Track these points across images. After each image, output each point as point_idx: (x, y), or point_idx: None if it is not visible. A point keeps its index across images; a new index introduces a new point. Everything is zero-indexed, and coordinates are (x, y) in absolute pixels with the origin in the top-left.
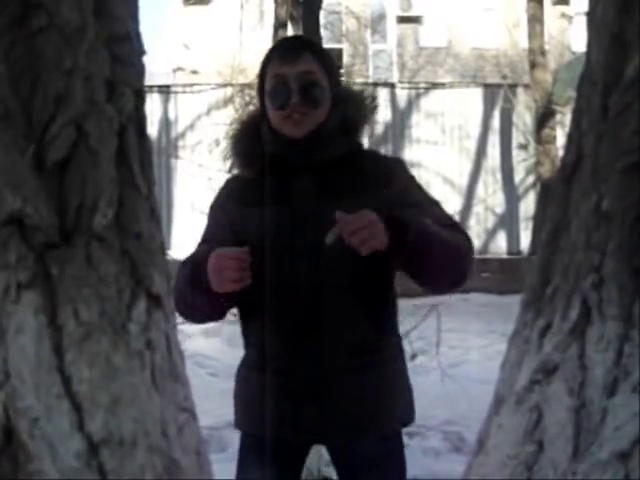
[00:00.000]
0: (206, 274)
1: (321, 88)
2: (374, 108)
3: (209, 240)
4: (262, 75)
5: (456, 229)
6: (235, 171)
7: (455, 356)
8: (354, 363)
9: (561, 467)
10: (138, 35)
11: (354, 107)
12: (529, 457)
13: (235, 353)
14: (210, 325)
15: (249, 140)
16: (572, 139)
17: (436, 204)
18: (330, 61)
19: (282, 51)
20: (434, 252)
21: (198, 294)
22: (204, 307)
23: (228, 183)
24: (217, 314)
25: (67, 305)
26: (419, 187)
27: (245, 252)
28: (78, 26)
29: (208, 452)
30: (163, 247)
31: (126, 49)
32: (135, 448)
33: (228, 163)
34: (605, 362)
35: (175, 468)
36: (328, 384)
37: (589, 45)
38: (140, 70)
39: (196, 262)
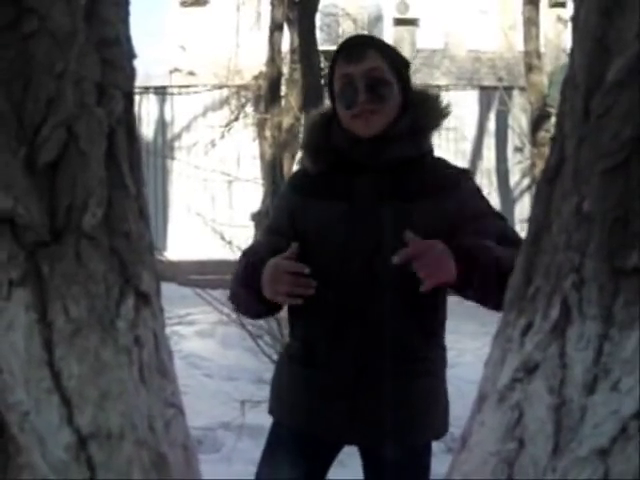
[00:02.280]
0: (259, 280)
1: (388, 84)
2: (447, 113)
3: (273, 230)
4: (331, 76)
5: (519, 246)
6: (303, 163)
7: (449, 358)
8: (398, 369)
9: (541, 464)
10: (129, 39)
11: (426, 110)
12: (510, 454)
13: (229, 354)
14: (204, 326)
15: (319, 135)
16: (555, 142)
17: (502, 219)
18: (398, 57)
19: (347, 50)
20: (499, 283)
21: (251, 294)
22: (254, 306)
23: (295, 175)
24: (269, 313)
25: (57, 302)
26: (484, 198)
27: (303, 267)
28: (69, 30)
29: (195, 447)
30: (152, 247)
31: (116, 53)
32: (123, 441)
33: (299, 158)
34: (585, 361)
35: (162, 462)
36: (369, 386)
37: (572, 49)
38: (130, 73)
39: (252, 264)
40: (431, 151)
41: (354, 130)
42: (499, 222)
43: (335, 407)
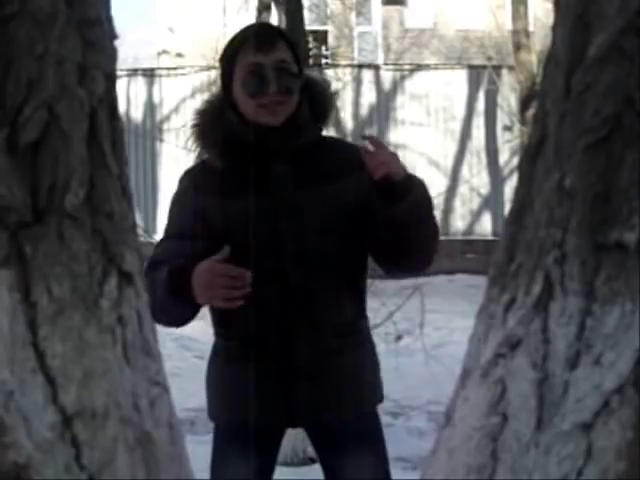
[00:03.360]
0: (189, 287)
1: (295, 77)
2: (335, 94)
3: (176, 234)
4: (230, 62)
5: None
6: (204, 158)
7: (440, 337)
8: (340, 343)
9: (525, 438)
10: (110, 20)
11: (321, 95)
12: (494, 429)
13: None
14: None
15: (216, 128)
16: (537, 119)
17: None
18: (297, 50)
19: (257, 39)
20: (430, 214)
21: (179, 305)
22: (182, 314)
23: (191, 174)
24: (193, 317)
25: (40, 282)
26: None
27: (241, 271)
28: (49, 12)
29: (180, 426)
30: (134, 226)
31: (98, 33)
32: (107, 420)
33: (194, 153)
34: (567, 336)
35: (147, 440)
36: (318, 366)
37: (554, 26)
38: (112, 54)
39: (176, 272)
40: (323, 134)
41: (258, 119)
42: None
43: (293, 393)
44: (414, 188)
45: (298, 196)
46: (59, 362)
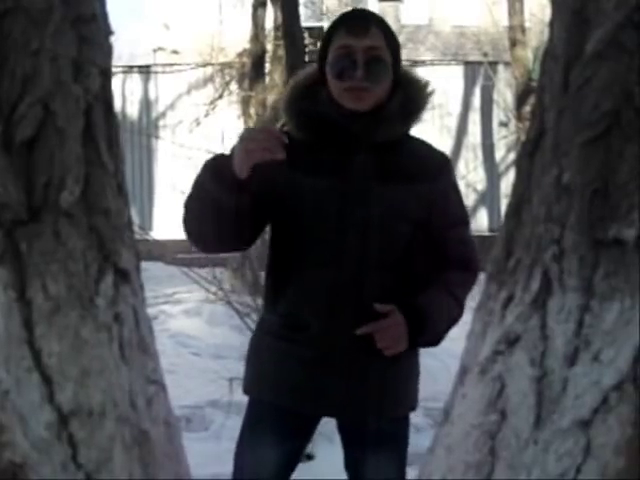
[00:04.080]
0: (229, 166)
1: (385, 65)
2: (432, 94)
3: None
4: (326, 43)
5: (470, 265)
6: (285, 129)
7: None
8: None
9: (523, 435)
10: (105, 16)
11: (415, 91)
12: (492, 426)
13: (216, 332)
14: (191, 305)
15: (306, 102)
16: (535, 115)
17: (466, 224)
18: (394, 39)
19: (351, 22)
20: (442, 333)
21: (219, 187)
22: (222, 205)
23: None
24: (233, 216)
25: (36, 280)
26: (458, 196)
27: (282, 136)
28: (44, 8)
29: (178, 423)
30: (130, 223)
31: (93, 30)
32: (104, 419)
33: (280, 122)
34: (566, 332)
35: (144, 438)
36: (359, 361)
37: (552, 22)
38: (107, 50)
39: (216, 156)
40: (410, 133)
41: (343, 102)
42: (463, 230)
43: (327, 383)
44: (423, 341)
45: (372, 189)
46: (55, 360)
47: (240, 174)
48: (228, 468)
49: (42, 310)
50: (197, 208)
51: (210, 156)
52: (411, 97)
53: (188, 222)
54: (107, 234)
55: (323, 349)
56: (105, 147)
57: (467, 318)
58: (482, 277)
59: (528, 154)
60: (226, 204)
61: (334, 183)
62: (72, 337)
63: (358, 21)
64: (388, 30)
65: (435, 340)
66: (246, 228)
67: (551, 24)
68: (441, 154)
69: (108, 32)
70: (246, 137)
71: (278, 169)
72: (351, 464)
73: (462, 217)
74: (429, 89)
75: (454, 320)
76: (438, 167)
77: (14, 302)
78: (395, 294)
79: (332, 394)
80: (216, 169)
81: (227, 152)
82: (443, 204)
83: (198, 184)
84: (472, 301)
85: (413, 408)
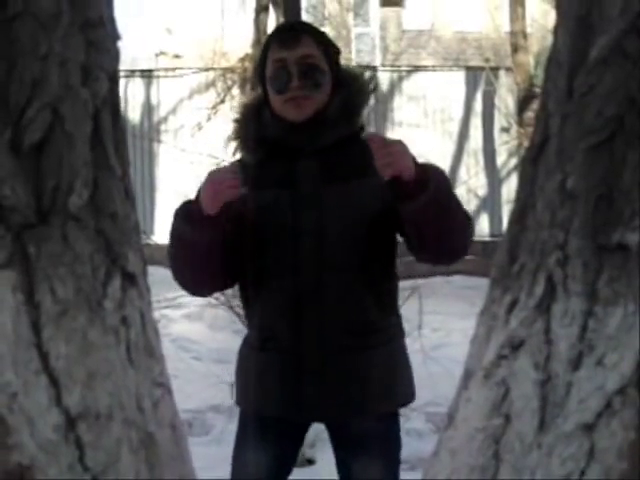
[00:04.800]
0: (200, 209)
1: (321, 71)
2: (374, 90)
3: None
4: (263, 60)
5: None
6: (239, 155)
7: (438, 338)
8: (355, 342)
9: (527, 439)
10: (112, 21)
11: (356, 90)
12: (496, 430)
13: (218, 337)
14: (193, 309)
15: (251, 125)
16: (539, 121)
17: None
18: (330, 44)
19: (281, 36)
20: (450, 208)
21: (193, 229)
22: (197, 245)
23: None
24: (213, 251)
25: (44, 283)
26: None
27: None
28: (53, 12)
29: (184, 426)
30: (137, 227)
31: (101, 34)
32: (111, 421)
33: (232, 147)
34: (569, 337)
35: (150, 441)
36: (330, 363)
37: (556, 27)
38: (114, 55)
39: (186, 201)
40: (362, 128)
41: (285, 115)
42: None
43: (303, 387)
44: (428, 184)
45: (320, 192)
46: (63, 363)
47: (209, 211)
48: (229, 473)
49: (50, 313)
50: (177, 254)
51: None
52: (352, 96)
53: (173, 270)
54: (115, 237)
55: (294, 356)
56: (112, 151)
57: (471, 323)
58: (487, 283)
59: (532, 159)
60: (200, 243)
61: (282, 193)
62: (80, 340)
63: (288, 33)
64: (321, 36)
65: (441, 204)
66: (226, 263)
67: (555, 30)
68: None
69: (116, 37)
70: (210, 179)
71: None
72: (341, 465)
73: None
74: (371, 85)
75: (460, 215)
76: None
77: (22, 305)
78: (358, 293)
79: (309, 398)
80: (187, 213)
81: (193, 196)
82: None
83: (173, 231)
84: (477, 306)
85: (403, 404)
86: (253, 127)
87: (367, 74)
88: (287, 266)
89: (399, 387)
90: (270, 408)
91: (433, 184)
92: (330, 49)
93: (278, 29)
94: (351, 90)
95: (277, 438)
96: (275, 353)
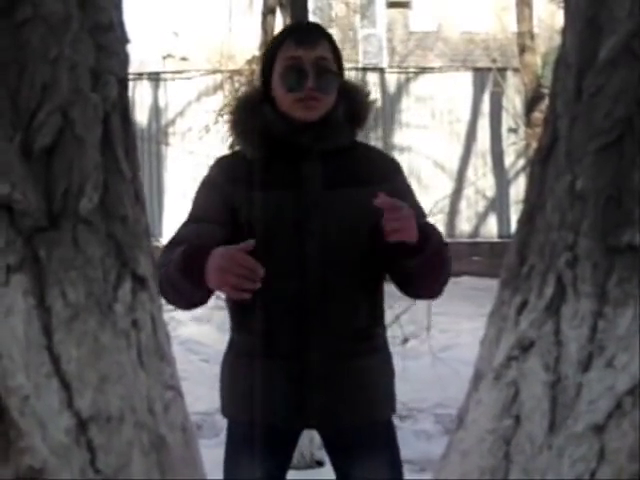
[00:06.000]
0: (202, 268)
1: (334, 75)
2: (374, 103)
3: (200, 219)
4: (272, 56)
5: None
6: (236, 149)
7: (446, 339)
8: (353, 348)
9: (538, 440)
10: (122, 24)
11: (359, 99)
12: (507, 431)
13: (226, 339)
14: (201, 312)
15: (251, 120)
16: (548, 122)
17: (426, 217)
18: (339, 51)
19: (300, 34)
20: (442, 264)
21: (189, 283)
22: (191, 296)
23: (222, 163)
24: (204, 302)
25: (55, 287)
26: (414, 195)
27: (259, 267)
28: (63, 16)
29: (195, 429)
30: (148, 230)
31: (110, 38)
32: (122, 424)
33: (228, 141)
34: (579, 338)
35: (162, 444)
36: (332, 369)
37: (564, 28)
38: (124, 59)
39: (195, 251)
40: (357, 140)
41: (294, 114)
42: (427, 222)
43: (304, 394)
44: (427, 247)
45: (325, 196)
46: (74, 366)
47: (210, 286)
48: None
49: (61, 316)
50: (167, 293)
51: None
52: (355, 106)
53: (163, 295)
54: (125, 241)
55: (294, 362)
56: (123, 155)
57: (479, 324)
58: (495, 284)
59: (541, 161)
60: (195, 295)
61: (287, 194)
62: (91, 343)
63: (307, 32)
64: (334, 42)
65: (437, 264)
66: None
67: (563, 31)
68: (391, 158)
69: (125, 40)
70: (224, 264)
71: (237, 191)
72: (338, 473)
73: (423, 212)
74: (371, 98)
75: (447, 266)
76: (390, 169)
77: (33, 309)
78: (358, 298)
79: (309, 406)
80: (185, 268)
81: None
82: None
83: (167, 275)
84: (485, 307)
85: (393, 411)
86: (253, 122)
87: (367, 88)
88: (290, 269)
89: (391, 394)
90: (264, 415)
91: (430, 246)
92: (339, 54)
93: (294, 27)
94: (356, 99)
95: (271, 448)
96: (276, 359)
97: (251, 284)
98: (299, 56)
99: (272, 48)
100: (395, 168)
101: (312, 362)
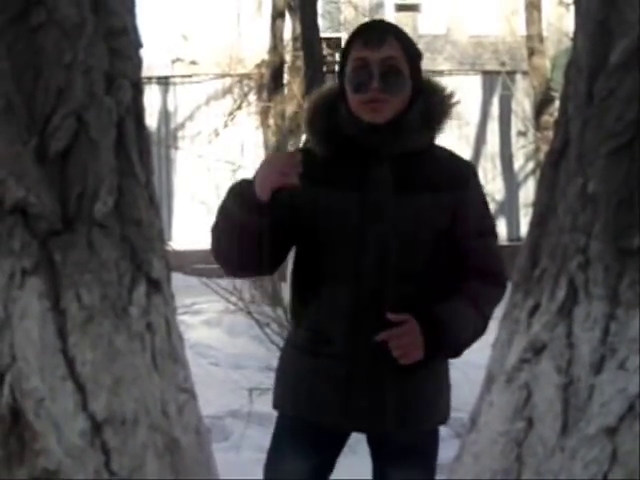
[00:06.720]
0: (253, 186)
1: (402, 75)
2: (456, 103)
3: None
4: (344, 57)
5: (498, 279)
6: (308, 146)
7: None
8: None
9: (550, 443)
10: (135, 29)
11: (437, 100)
12: (519, 433)
13: (236, 343)
14: (211, 315)
15: (326, 118)
16: (560, 125)
17: (493, 235)
18: (413, 48)
19: (366, 34)
20: (463, 345)
21: (240, 209)
22: (244, 227)
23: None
24: (261, 235)
25: (70, 290)
26: (485, 205)
27: (295, 152)
28: (77, 21)
29: (208, 432)
30: (162, 234)
31: (124, 43)
32: (137, 427)
33: (304, 137)
34: (592, 340)
35: (175, 446)
36: (383, 375)
37: (576, 33)
38: (137, 63)
39: (241, 181)
40: (434, 142)
41: (361, 115)
42: (491, 241)
43: (354, 397)
44: (438, 353)
45: (390, 200)
46: (89, 369)
47: (260, 197)
48: (248, 478)
49: (76, 319)
50: (222, 232)
51: (236, 182)
52: (433, 107)
53: (215, 247)
54: (139, 244)
55: (346, 364)
56: (137, 158)
57: (492, 327)
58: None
59: (552, 164)
60: (248, 227)
61: (353, 197)
62: (105, 346)
63: (374, 32)
64: (406, 40)
65: (454, 351)
66: (268, 252)
67: (575, 35)
68: (466, 163)
69: (138, 45)
70: (266, 162)
71: (303, 188)
72: (377, 477)
73: (489, 227)
74: (453, 99)
75: (476, 333)
76: (462, 176)
77: (48, 311)
78: (417, 306)
79: (356, 409)
80: (239, 193)
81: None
82: (468, 213)
83: (222, 209)
84: (497, 310)
85: (443, 422)
86: (326, 120)
87: (448, 89)
88: (349, 271)
89: (443, 404)
90: (312, 414)
91: (442, 352)
92: (413, 53)
93: (363, 27)
94: (431, 100)
95: (317, 446)
96: (327, 358)
97: (293, 169)
98: (365, 57)
99: (345, 48)
100: (466, 176)
101: (363, 366)
